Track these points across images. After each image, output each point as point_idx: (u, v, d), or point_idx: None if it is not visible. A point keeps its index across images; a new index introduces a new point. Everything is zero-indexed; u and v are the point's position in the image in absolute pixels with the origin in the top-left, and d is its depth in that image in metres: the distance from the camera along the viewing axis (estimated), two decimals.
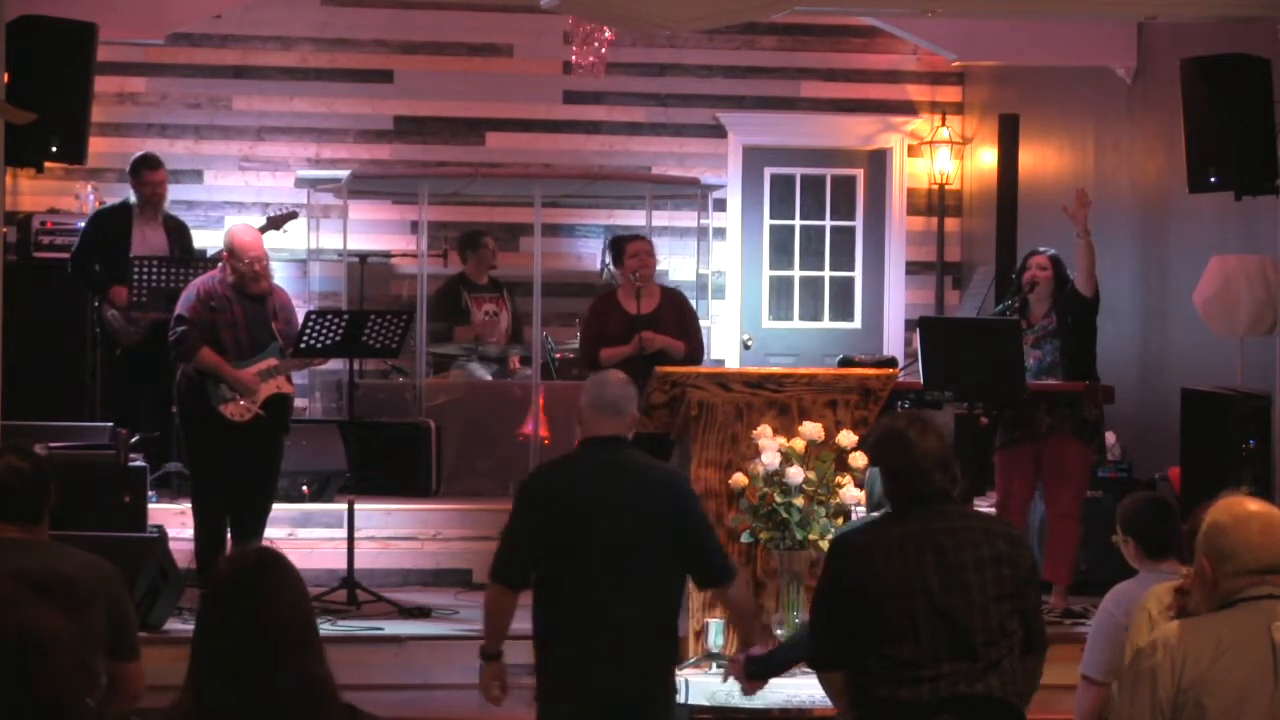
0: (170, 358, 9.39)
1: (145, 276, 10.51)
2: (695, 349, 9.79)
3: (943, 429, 5.08)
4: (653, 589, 5.68)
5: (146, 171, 11.00)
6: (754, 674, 6.15)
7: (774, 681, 7.25)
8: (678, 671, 7.31)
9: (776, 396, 8.13)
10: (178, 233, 11.13)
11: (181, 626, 8.43)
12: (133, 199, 11.02)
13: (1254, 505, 4.43)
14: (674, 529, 5.70)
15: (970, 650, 4.82)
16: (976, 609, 4.84)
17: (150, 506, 9.66)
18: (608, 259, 12.56)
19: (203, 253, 11.05)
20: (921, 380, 9.04)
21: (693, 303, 10.56)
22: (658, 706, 5.77)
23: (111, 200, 12.28)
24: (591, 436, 5.79)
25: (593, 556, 5.62)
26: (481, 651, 5.87)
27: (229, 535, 9.18)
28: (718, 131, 13.60)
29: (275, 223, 11.20)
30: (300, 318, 9.52)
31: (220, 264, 9.40)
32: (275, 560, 3.94)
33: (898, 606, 4.82)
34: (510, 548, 5.76)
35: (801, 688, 7.13)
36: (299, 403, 12.28)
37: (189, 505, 9.51)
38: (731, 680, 6.58)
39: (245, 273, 9.18)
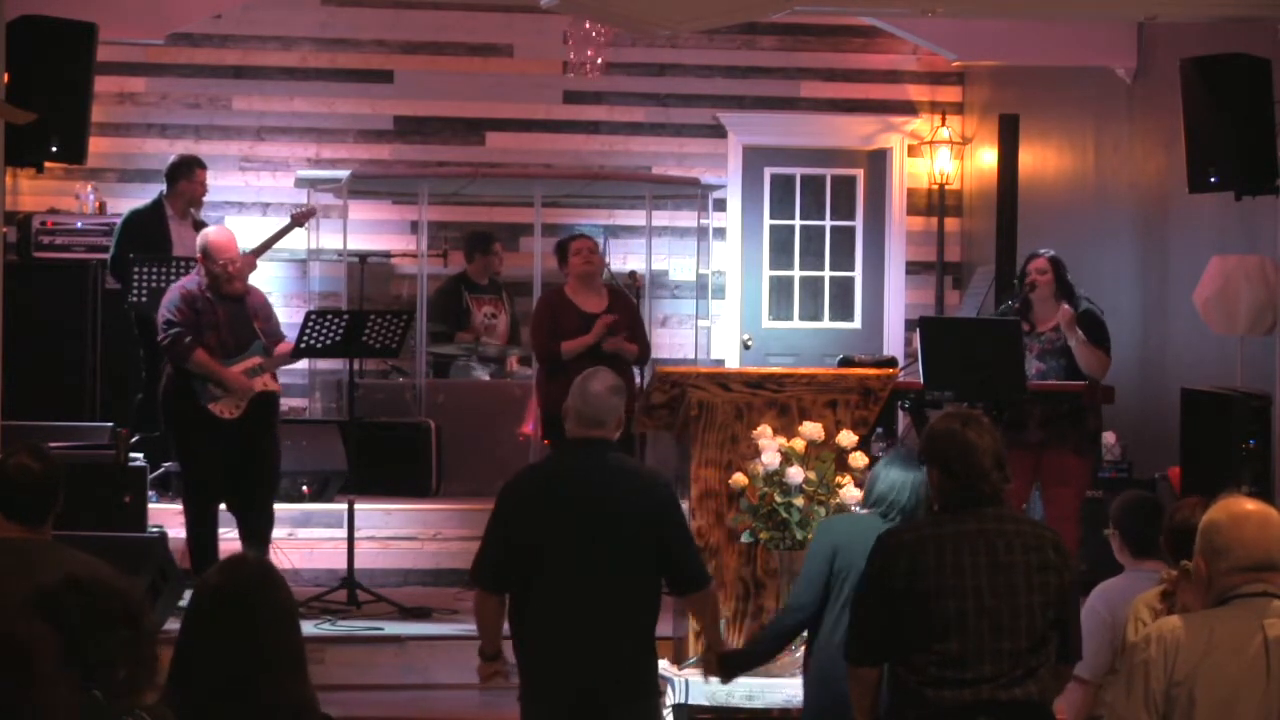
0: (163, 360, 9.44)
1: (145, 276, 10.52)
2: (645, 350, 9.96)
3: (995, 427, 5.08)
4: (625, 590, 5.67)
5: (200, 171, 11.13)
6: (731, 669, 6.16)
7: (775, 681, 7.28)
8: (679, 672, 7.36)
9: (776, 396, 8.12)
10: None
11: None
12: (166, 200, 11.06)
13: (1250, 505, 4.46)
14: (651, 532, 5.70)
15: (1012, 654, 4.83)
16: (1022, 613, 4.85)
17: (150, 506, 9.67)
18: (609, 260, 12.59)
19: None
20: (921, 380, 9.04)
21: (691, 302, 10.58)
22: (632, 708, 5.76)
23: (112, 200, 12.32)
24: (573, 438, 5.82)
25: (564, 557, 5.63)
26: (480, 652, 5.91)
27: (238, 536, 9.21)
28: (718, 131, 13.60)
29: (298, 219, 11.36)
30: (299, 318, 9.54)
31: (196, 267, 9.44)
32: (271, 571, 3.94)
33: (946, 604, 4.83)
34: (485, 551, 5.79)
35: (802, 688, 7.12)
36: (299, 403, 12.32)
37: None
38: (732, 680, 6.58)
39: (219, 274, 9.22)
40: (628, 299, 10.30)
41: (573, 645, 5.63)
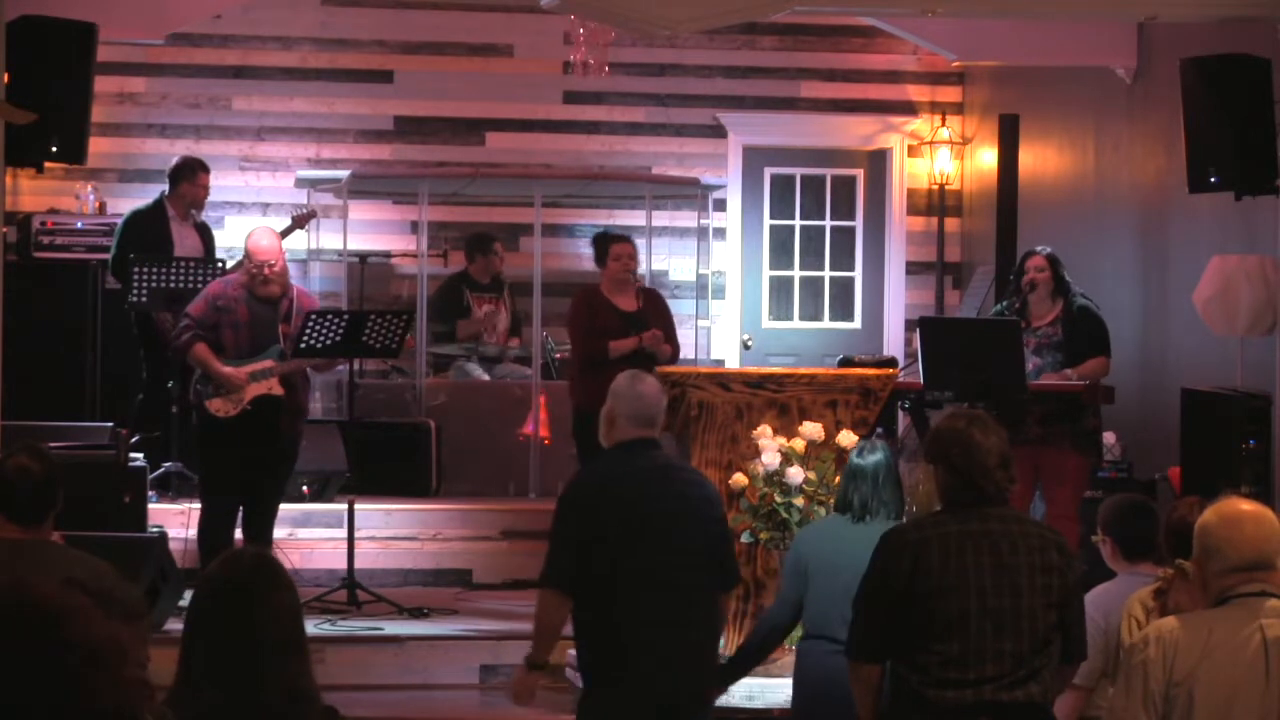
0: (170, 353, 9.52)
1: (146, 276, 10.53)
2: (676, 350, 9.95)
3: (1001, 427, 5.08)
4: (694, 588, 5.69)
5: (202, 174, 11.17)
6: (724, 680, 6.17)
7: (774, 682, 7.29)
8: None
9: (776, 396, 8.13)
10: (205, 234, 11.23)
11: (181, 627, 8.42)
12: (167, 200, 11.08)
13: (1244, 505, 4.47)
14: (706, 529, 5.74)
15: (1015, 655, 4.82)
16: (1025, 614, 4.85)
17: (150, 506, 9.68)
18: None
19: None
20: (921, 380, 9.04)
21: (691, 302, 10.58)
22: (704, 706, 5.80)
23: (112, 200, 12.33)
24: (627, 439, 5.79)
25: (640, 557, 5.62)
26: (528, 660, 5.80)
27: (239, 536, 9.20)
28: (718, 131, 13.60)
29: (299, 222, 11.39)
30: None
31: (242, 265, 9.52)
32: (270, 564, 3.95)
33: (948, 603, 4.82)
34: (561, 553, 5.69)
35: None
36: None
37: (189, 505, 9.53)
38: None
39: (255, 275, 9.23)
40: (661, 300, 10.22)
41: (651, 645, 5.60)
